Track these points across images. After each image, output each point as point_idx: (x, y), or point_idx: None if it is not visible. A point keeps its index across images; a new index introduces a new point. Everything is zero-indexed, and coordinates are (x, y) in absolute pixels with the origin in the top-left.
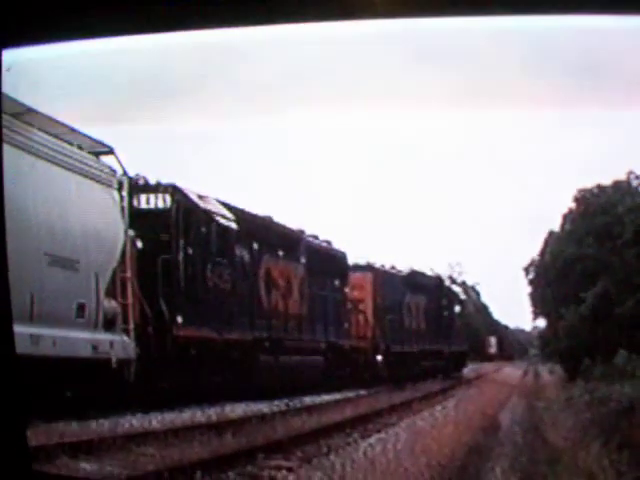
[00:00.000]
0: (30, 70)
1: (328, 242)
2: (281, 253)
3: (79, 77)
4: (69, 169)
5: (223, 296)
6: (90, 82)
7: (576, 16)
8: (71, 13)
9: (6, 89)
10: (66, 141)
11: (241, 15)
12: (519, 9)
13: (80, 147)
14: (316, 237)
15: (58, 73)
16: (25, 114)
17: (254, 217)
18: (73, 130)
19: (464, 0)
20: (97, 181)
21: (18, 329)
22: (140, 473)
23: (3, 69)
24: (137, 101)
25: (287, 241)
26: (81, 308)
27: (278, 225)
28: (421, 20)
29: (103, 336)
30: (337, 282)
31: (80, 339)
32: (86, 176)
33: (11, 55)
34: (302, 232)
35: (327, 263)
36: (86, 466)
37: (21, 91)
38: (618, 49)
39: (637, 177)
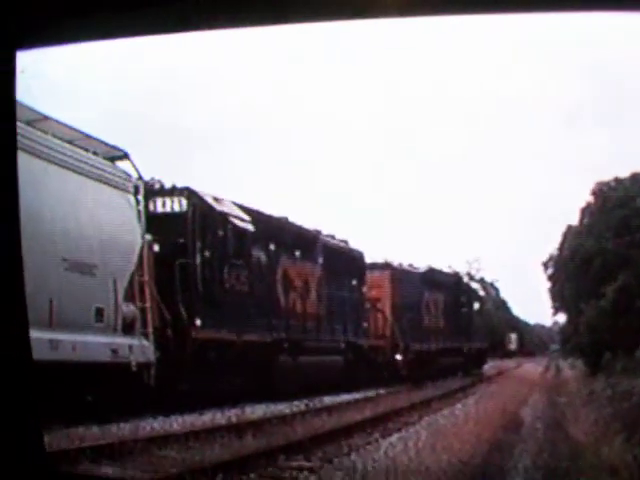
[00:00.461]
0: (44, 72)
1: (345, 241)
2: (298, 254)
3: (93, 78)
4: (85, 175)
5: (241, 298)
6: (103, 82)
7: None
8: (85, 14)
9: (20, 91)
10: (81, 147)
11: (252, 14)
12: (534, 6)
13: (95, 153)
14: (333, 237)
15: (72, 74)
16: (40, 121)
17: (270, 218)
18: (88, 136)
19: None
20: (113, 186)
21: (37, 334)
22: (162, 476)
23: (17, 71)
24: (149, 101)
25: (304, 241)
26: (99, 312)
27: (294, 225)
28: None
29: (122, 340)
30: (355, 281)
31: (99, 343)
32: (102, 181)
33: (25, 57)
34: (319, 232)
35: (344, 262)
36: (108, 470)
37: (35, 93)
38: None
39: None
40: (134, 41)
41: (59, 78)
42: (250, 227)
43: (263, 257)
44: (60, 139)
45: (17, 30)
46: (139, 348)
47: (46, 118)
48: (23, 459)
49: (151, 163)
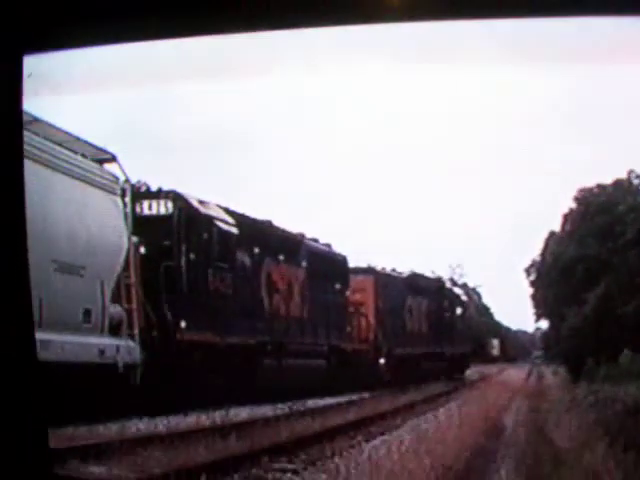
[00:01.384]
0: (51, 76)
1: (328, 245)
2: (282, 257)
3: (99, 83)
4: (74, 177)
5: (225, 300)
6: (110, 88)
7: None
8: (91, 19)
9: (27, 95)
10: (71, 149)
11: (255, 20)
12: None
13: (84, 155)
14: (316, 240)
15: (78, 79)
16: (31, 123)
17: (254, 221)
18: (77, 139)
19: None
20: (101, 188)
21: None
22: (147, 476)
23: (24, 75)
24: (154, 107)
25: (287, 245)
26: (87, 313)
27: (278, 229)
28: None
29: (109, 341)
30: (338, 285)
31: (87, 344)
32: (91, 184)
33: (32, 61)
34: (302, 236)
35: (328, 266)
36: (95, 469)
37: (42, 97)
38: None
39: (638, 176)
40: (144, 45)
41: (66, 83)
42: (235, 230)
43: (247, 260)
44: (50, 141)
45: (24, 35)
46: (125, 349)
47: (36, 120)
48: (27, 461)
49: (139, 166)
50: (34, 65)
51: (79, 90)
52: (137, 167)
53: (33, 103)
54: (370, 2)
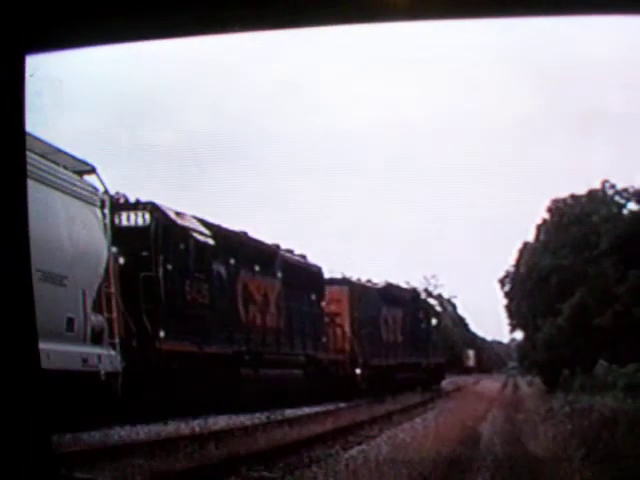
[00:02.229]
0: (53, 76)
1: (303, 256)
2: (257, 268)
3: (101, 82)
4: (57, 188)
5: (202, 311)
6: (111, 87)
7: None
8: (93, 19)
9: (29, 94)
10: (52, 161)
11: (263, 18)
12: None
13: (65, 167)
14: (291, 251)
15: (80, 79)
16: None
17: (230, 233)
18: (58, 150)
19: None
20: (82, 199)
21: None
22: None
23: (26, 74)
24: (156, 107)
25: (263, 256)
26: (70, 322)
27: (254, 240)
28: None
29: (91, 349)
30: (314, 296)
31: (71, 352)
32: (71, 195)
33: (34, 61)
34: (277, 247)
35: (303, 277)
36: (79, 477)
37: (44, 96)
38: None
39: (612, 186)
40: (145, 45)
41: (68, 82)
42: (210, 241)
43: (223, 271)
44: (33, 153)
45: (27, 34)
46: (107, 358)
47: None
48: (30, 464)
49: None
50: (36, 64)
51: (82, 89)
52: (116, 177)
53: (34, 102)
54: (370, 2)
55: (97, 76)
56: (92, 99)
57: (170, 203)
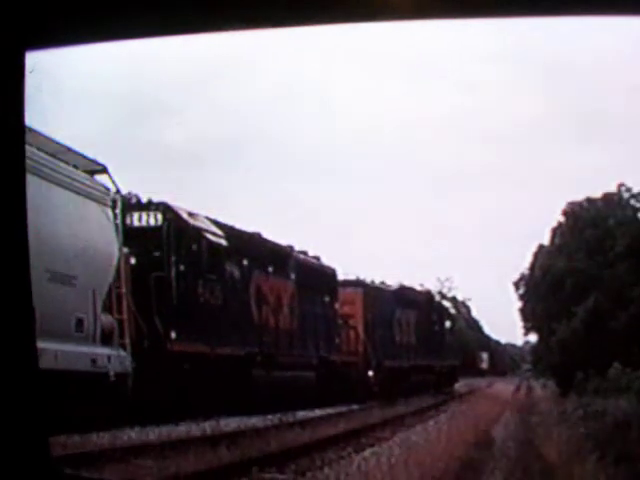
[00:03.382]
0: (53, 72)
1: (317, 258)
2: (271, 269)
3: (101, 79)
4: (67, 188)
5: (214, 312)
6: (111, 84)
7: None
8: (94, 15)
9: (29, 91)
10: (63, 160)
11: (262, 17)
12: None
13: (75, 166)
14: (305, 253)
15: (80, 75)
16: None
17: (243, 233)
18: (69, 149)
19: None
20: (92, 199)
21: None
22: None
23: (26, 71)
24: (158, 104)
25: (276, 257)
26: (80, 323)
27: (267, 241)
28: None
29: (101, 350)
30: (327, 298)
31: (80, 353)
32: (82, 194)
33: (34, 57)
34: (291, 248)
35: (317, 279)
36: (87, 477)
37: (43, 93)
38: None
39: (628, 189)
40: (146, 43)
41: (68, 79)
42: (223, 242)
43: (236, 272)
44: (43, 152)
45: (27, 30)
46: (117, 358)
47: (30, 130)
48: (29, 466)
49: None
50: (36, 61)
51: (82, 86)
52: (128, 177)
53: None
54: (371, 2)
55: (97, 73)
56: (92, 96)
57: (170, 202)
